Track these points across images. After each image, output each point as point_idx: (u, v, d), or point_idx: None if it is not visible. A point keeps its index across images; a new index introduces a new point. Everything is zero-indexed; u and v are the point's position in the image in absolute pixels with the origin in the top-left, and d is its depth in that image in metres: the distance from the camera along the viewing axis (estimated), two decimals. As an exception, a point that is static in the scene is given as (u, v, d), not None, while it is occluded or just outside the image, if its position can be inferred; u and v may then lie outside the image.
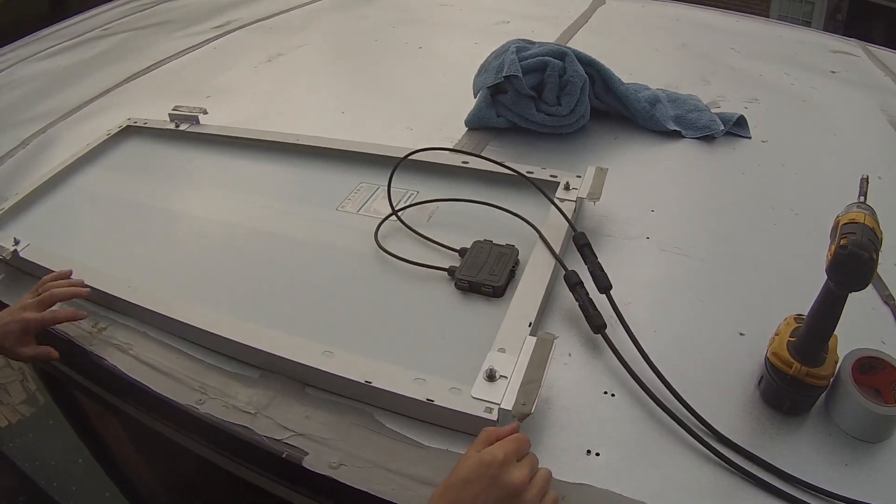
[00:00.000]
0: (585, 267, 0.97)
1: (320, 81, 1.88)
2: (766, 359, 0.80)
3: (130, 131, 1.58)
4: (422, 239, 1.10)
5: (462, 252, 1.04)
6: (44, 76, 2.08)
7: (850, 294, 0.69)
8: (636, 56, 1.88)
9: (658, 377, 0.82)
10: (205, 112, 1.52)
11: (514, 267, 1.00)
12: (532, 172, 1.17)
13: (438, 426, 0.80)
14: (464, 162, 1.24)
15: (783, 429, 0.78)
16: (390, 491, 0.74)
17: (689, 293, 0.99)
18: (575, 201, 1.11)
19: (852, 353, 0.79)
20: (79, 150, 1.47)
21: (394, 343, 0.92)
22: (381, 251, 1.07)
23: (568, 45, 1.45)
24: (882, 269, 0.77)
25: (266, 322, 0.93)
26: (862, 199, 0.73)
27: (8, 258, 1.13)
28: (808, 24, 7.55)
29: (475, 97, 1.46)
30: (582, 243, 1.00)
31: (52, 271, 1.06)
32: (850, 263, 0.65)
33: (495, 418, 0.75)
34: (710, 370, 0.86)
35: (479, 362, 0.81)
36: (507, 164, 1.17)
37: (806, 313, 0.76)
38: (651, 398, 0.81)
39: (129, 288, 1.02)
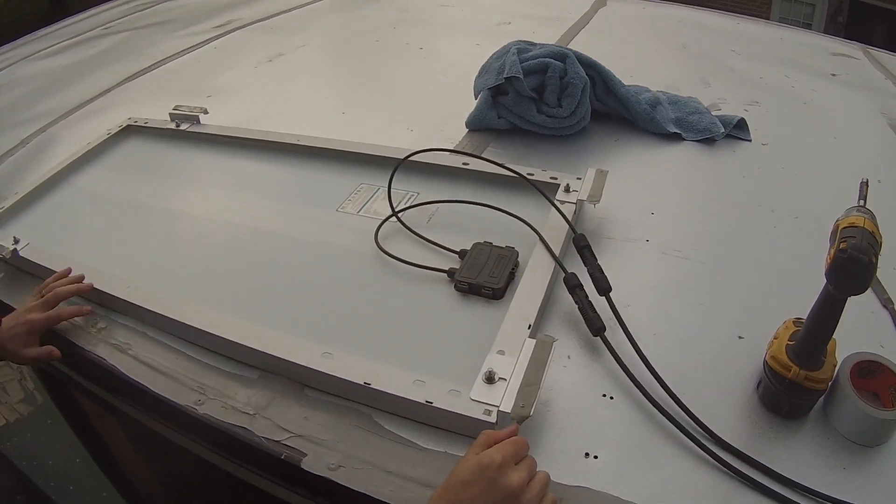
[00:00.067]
0: (585, 269, 0.97)
1: (321, 82, 1.88)
2: (765, 362, 0.80)
3: (131, 131, 1.58)
4: (422, 240, 1.10)
5: (462, 254, 1.04)
6: (44, 75, 2.08)
7: (849, 298, 0.69)
8: (637, 58, 1.88)
9: (657, 380, 0.83)
10: (205, 112, 1.52)
11: (513, 269, 1.00)
12: (532, 174, 1.17)
13: (437, 428, 0.80)
14: (464, 163, 1.24)
15: (781, 432, 0.78)
16: (389, 493, 0.74)
17: (688, 296, 0.99)
18: (575, 203, 1.11)
19: (851, 356, 0.79)
20: (79, 150, 1.47)
21: (393, 344, 0.92)
22: (381, 252, 1.07)
23: (569, 46, 1.46)
24: (881, 272, 0.77)
25: (265, 323, 0.93)
26: (862, 202, 0.73)
27: (7, 257, 1.13)
28: (808, 26, 7.56)
29: (476, 98, 1.46)
30: (582, 245, 0.99)
31: (52, 270, 1.07)
32: (850, 267, 0.65)
33: (494, 420, 0.75)
34: (708, 373, 0.86)
35: (479, 364, 0.81)
36: (507, 165, 1.17)
37: (805, 317, 0.76)
38: (650, 401, 0.81)
39: (129, 288, 1.02)
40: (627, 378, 0.83)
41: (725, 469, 0.74)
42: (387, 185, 1.17)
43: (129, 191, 1.35)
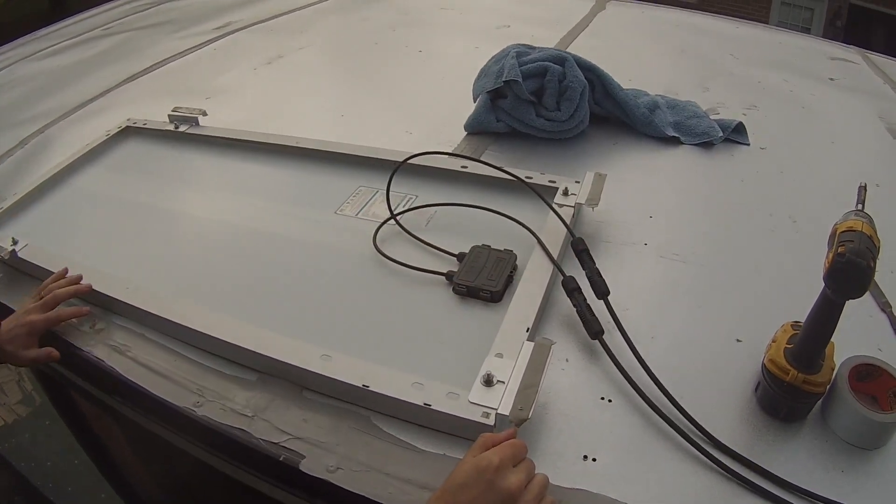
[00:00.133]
0: (583, 272, 0.97)
1: (320, 84, 1.88)
2: (763, 365, 0.80)
3: (130, 132, 1.58)
4: (420, 243, 1.10)
5: (460, 257, 1.04)
6: (43, 76, 2.08)
7: (847, 301, 0.69)
8: (636, 61, 1.89)
9: (655, 383, 0.83)
10: (204, 113, 1.52)
11: (512, 272, 1.00)
12: (531, 177, 1.18)
13: (436, 430, 0.80)
14: (463, 166, 1.24)
15: (780, 435, 0.78)
16: (387, 495, 0.74)
17: (686, 299, 0.99)
18: (573, 207, 1.11)
19: (849, 360, 0.80)
20: (78, 151, 1.47)
21: (392, 347, 0.92)
22: (380, 255, 1.07)
23: (568, 49, 1.46)
24: (879, 276, 0.77)
25: (264, 325, 0.93)
26: (860, 206, 0.73)
27: (6, 258, 1.13)
28: (807, 30, 7.58)
29: (475, 101, 1.46)
30: (580, 249, 1.00)
31: (51, 271, 1.07)
32: (848, 271, 0.65)
33: (492, 423, 0.75)
34: (707, 376, 0.86)
35: (477, 367, 0.81)
36: (505, 168, 1.18)
37: (803, 320, 0.76)
38: (648, 404, 0.81)
39: (128, 289, 1.02)
40: (626, 381, 0.83)
41: (723, 472, 0.74)
42: (385, 188, 1.17)
43: (128, 192, 1.35)
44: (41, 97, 1.89)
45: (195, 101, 1.63)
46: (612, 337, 0.89)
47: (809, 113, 1.60)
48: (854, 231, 0.67)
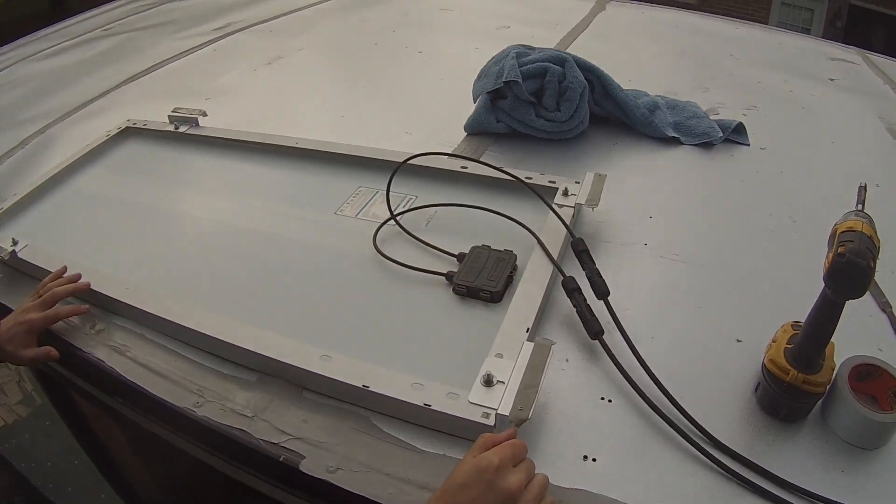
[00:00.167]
0: (583, 273, 0.97)
1: (320, 84, 1.88)
2: (763, 365, 0.80)
3: (130, 132, 1.58)
4: (420, 244, 1.10)
5: (460, 257, 1.04)
6: (43, 76, 2.08)
7: (847, 301, 0.69)
8: (635, 62, 1.89)
9: (655, 383, 0.83)
10: (204, 114, 1.52)
11: (512, 272, 1.00)
12: (531, 178, 1.18)
13: (436, 431, 0.80)
14: (463, 167, 1.24)
15: (780, 435, 0.78)
16: (387, 495, 0.74)
17: (686, 300, 0.99)
18: (573, 207, 1.11)
19: (849, 360, 0.80)
20: (78, 151, 1.47)
21: (392, 347, 0.92)
22: (380, 255, 1.07)
23: (568, 50, 1.46)
24: (879, 276, 0.77)
25: (264, 325, 0.93)
26: (860, 207, 0.73)
27: (6, 259, 1.13)
28: (807, 31, 7.58)
29: (475, 102, 1.46)
30: (580, 249, 1.00)
31: (51, 272, 1.06)
32: (848, 271, 0.65)
33: (492, 423, 0.75)
34: (707, 376, 0.86)
35: (477, 367, 0.81)
36: (505, 169, 1.18)
37: (803, 320, 0.76)
38: (648, 404, 0.81)
39: (127, 290, 1.02)
40: (626, 381, 0.83)
41: (724, 472, 0.74)
42: (385, 189, 1.17)
43: (128, 192, 1.35)
44: (41, 97, 1.89)
45: (195, 101, 1.63)
46: (612, 337, 0.89)
47: (809, 113, 1.60)
48: (854, 231, 0.67)
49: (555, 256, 1.00)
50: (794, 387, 0.75)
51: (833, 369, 0.77)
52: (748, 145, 1.42)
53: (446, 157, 1.26)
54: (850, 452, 0.76)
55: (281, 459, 0.79)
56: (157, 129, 1.54)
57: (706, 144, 1.40)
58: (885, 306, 0.97)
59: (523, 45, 1.49)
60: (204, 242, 1.20)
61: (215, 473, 0.94)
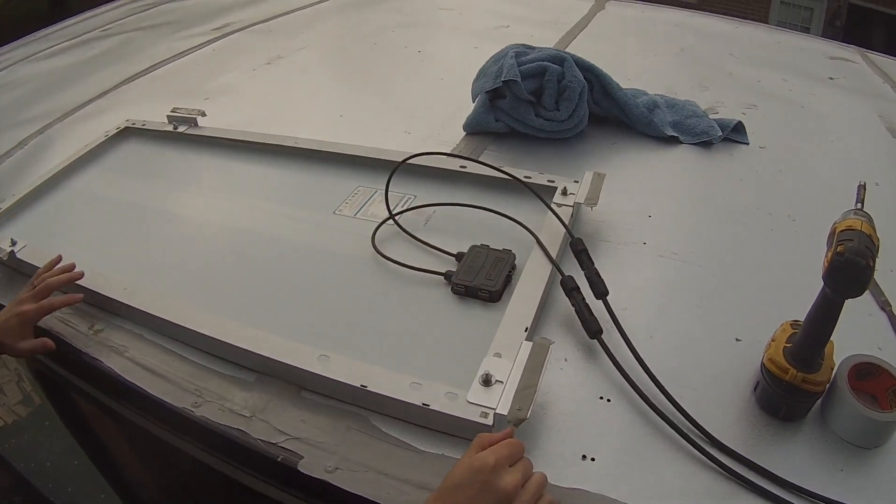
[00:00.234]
0: (582, 272, 0.97)
1: (319, 84, 1.88)
2: (763, 365, 0.80)
3: (128, 133, 1.57)
4: (419, 243, 1.09)
5: (459, 257, 1.04)
6: (43, 76, 2.08)
7: (846, 300, 0.69)
8: (635, 61, 1.89)
9: (654, 382, 0.82)
10: (203, 114, 1.51)
11: (510, 272, 1.00)
12: (530, 177, 1.18)
13: (434, 431, 0.80)
14: (461, 166, 1.24)
15: (779, 434, 0.78)
16: (385, 495, 0.74)
17: (685, 299, 0.99)
18: (572, 206, 1.11)
19: (848, 359, 0.79)
20: (77, 151, 1.47)
21: (390, 347, 0.92)
22: (378, 255, 1.07)
23: (567, 50, 1.46)
24: (879, 275, 0.77)
25: (262, 325, 0.93)
26: (859, 205, 0.73)
27: (5, 259, 1.13)
28: (806, 30, 7.58)
29: (474, 101, 1.46)
30: (579, 249, 0.99)
31: (49, 272, 1.06)
32: (847, 270, 0.65)
33: (491, 423, 0.75)
34: (706, 376, 0.86)
35: (476, 367, 0.81)
36: (504, 168, 1.18)
37: (802, 319, 0.76)
38: (647, 403, 0.81)
39: (126, 290, 1.02)
40: (624, 380, 0.83)
41: (723, 471, 0.74)
42: (384, 188, 1.17)
43: (127, 193, 1.35)
44: (40, 98, 1.89)
45: (194, 101, 1.63)
46: (611, 336, 0.89)
47: (809, 112, 1.60)
48: (853, 230, 0.67)
49: (553, 256, 1.00)
50: (793, 386, 0.75)
51: (832, 368, 0.76)
52: (747, 144, 1.42)
53: (445, 156, 1.26)
54: (849, 451, 0.76)
55: (279, 459, 0.79)
56: (156, 129, 1.54)
57: (705, 143, 1.40)
58: (884, 305, 0.97)
59: (522, 45, 1.49)
60: (203, 242, 1.20)
61: (214, 473, 0.94)
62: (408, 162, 1.20)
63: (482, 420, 0.75)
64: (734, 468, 0.73)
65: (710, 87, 1.71)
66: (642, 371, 0.84)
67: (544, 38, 1.99)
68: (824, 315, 0.72)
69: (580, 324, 0.90)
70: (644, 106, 1.43)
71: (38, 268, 1.09)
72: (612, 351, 0.86)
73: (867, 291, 0.95)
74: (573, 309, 0.92)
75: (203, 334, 0.92)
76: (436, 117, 1.56)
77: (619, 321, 0.90)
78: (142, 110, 1.65)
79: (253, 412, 0.85)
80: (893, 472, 0.73)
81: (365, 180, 1.29)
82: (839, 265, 0.65)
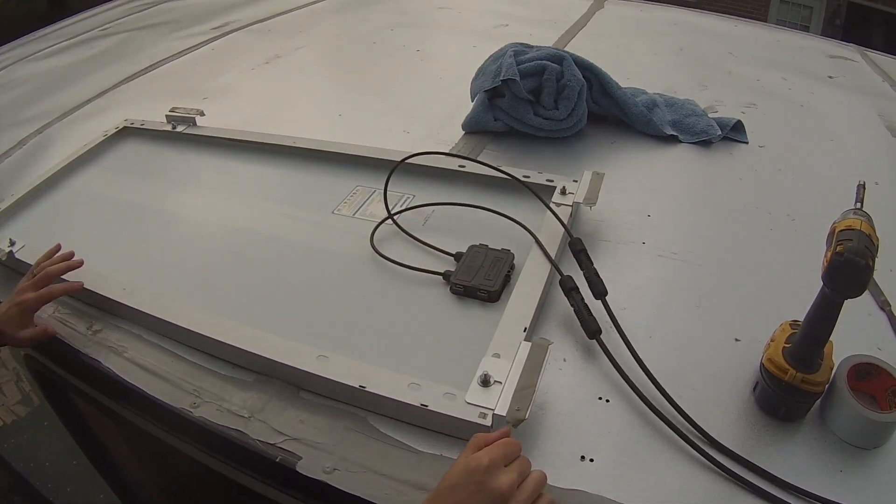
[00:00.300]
0: (581, 272, 0.97)
1: (318, 84, 1.87)
2: (762, 365, 0.80)
3: (127, 132, 1.57)
4: (417, 243, 1.09)
5: (458, 256, 1.03)
6: (41, 76, 2.08)
7: (845, 300, 0.69)
8: (634, 60, 1.88)
9: (653, 383, 0.82)
10: (202, 114, 1.51)
11: (509, 272, 1.00)
12: (528, 177, 1.17)
13: (433, 431, 0.80)
14: (460, 166, 1.24)
15: (778, 435, 0.78)
16: (384, 496, 0.74)
17: (684, 299, 0.99)
18: (571, 206, 1.11)
19: (848, 359, 0.79)
20: (75, 151, 1.47)
21: (388, 347, 0.92)
22: (377, 255, 1.07)
23: (566, 48, 1.46)
24: (878, 274, 0.76)
25: (261, 325, 0.92)
26: (858, 205, 0.73)
27: (3, 259, 1.13)
28: (806, 28, 7.57)
29: (472, 101, 1.46)
30: (578, 248, 0.99)
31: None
32: (847, 270, 0.65)
33: (489, 424, 0.75)
34: (705, 376, 0.86)
35: (474, 367, 0.80)
36: (503, 168, 1.17)
37: (801, 319, 0.76)
38: (646, 404, 0.80)
39: (125, 290, 1.02)
40: (623, 381, 0.83)
41: (722, 472, 0.73)
42: (383, 188, 1.16)
43: (126, 192, 1.35)
44: (39, 98, 1.89)
45: (193, 101, 1.63)
46: (610, 337, 0.89)
47: (808, 111, 1.60)
48: (853, 230, 0.67)
49: (552, 256, 1.00)
50: (792, 386, 0.75)
51: (832, 368, 0.76)
52: (747, 143, 1.42)
53: (444, 156, 1.26)
54: (848, 452, 0.76)
55: (278, 460, 0.79)
56: (154, 128, 1.54)
57: (705, 143, 1.40)
58: (883, 305, 0.97)
59: (521, 44, 1.48)
60: (201, 242, 1.20)
61: (212, 474, 0.94)
62: (406, 161, 1.20)
63: (481, 421, 0.75)
64: (733, 469, 0.73)
65: (709, 86, 1.71)
66: (641, 371, 0.84)
67: (543, 37, 1.98)
68: (823, 315, 0.72)
69: (579, 324, 0.90)
70: (643, 105, 1.43)
71: (28, 271, 1.09)
72: (610, 351, 0.86)
73: (866, 291, 0.95)
74: (572, 309, 0.92)
75: (201, 334, 0.92)
76: (434, 117, 1.56)
77: (618, 321, 0.90)
78: (141, 110, 1.65)
79: (251, 412, 0.84)
80: (893, 473, 0.73)
81: (364, 180, 1.28)
82: (838, 265, 0.65)
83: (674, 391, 0.81)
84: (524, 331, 0.87)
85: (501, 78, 1.33)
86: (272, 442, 0.81)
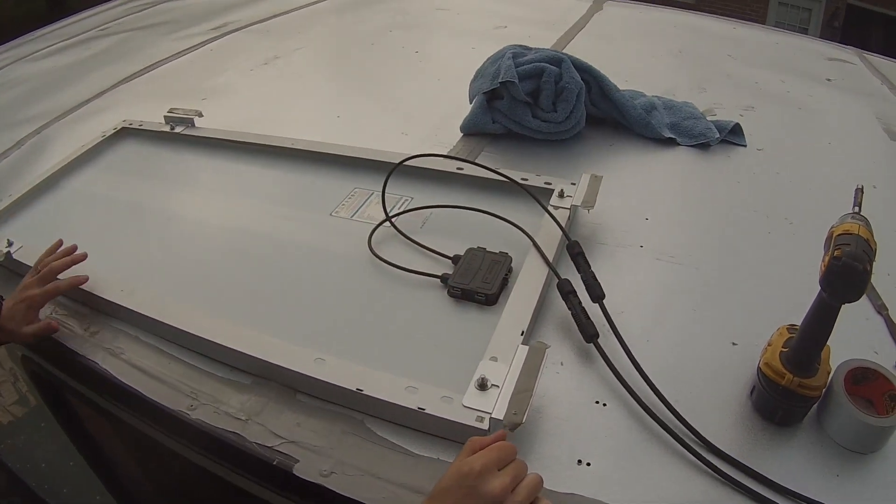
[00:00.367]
0: (579, 275, 0.96)
1: (316, 85, 1.87)
2: (759, 369, 0.80)
3: (125, 133, 1.57)
4: (415, 245, 1.09)
5: (455, 259, 1.03)
6: (40, 76, 2.07)
7: (843, 304, 0.69)
8: (633, 62, 1.88)
9: (650, 387, 0.82)
10: (200, 115, 1.51)
11: (507, 275, 1.00)
12: (526, 179, 1.17)
13: (430, 434, 0.80)
14: (458, 168, 1.24)
15: (775, 439, 0.78)
16: (381, 499, 0.74)
17: (682, 302, 0.99)
18: (569, 209, 1.11)
19: (845, 363, 0.79)
20: (74, 152, 1.47)
21: (386, 350, 0.92)
22: (375, 257, 1.07)
23: (564, 50, 1.46)
24: (876, 279, 0.76)
25: (258, 327, 0.92)
26: (856, 209, 0.73)
27: (1, 260, 1.13)
28: (804, 30, 7.58)
29: (471, 103, 1.46)
30: (575, 252, 0.99)
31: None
32: (844, 275, 0.65)
33: (486, 427, 0.75)
34: (702, 380, 0.86)
35: (471, 371, 0.80)
36: (501, 170, 1.17)
37: (799, 323, 0.76)
38: (642, 408, 0.80)
39: (122, 292, 1.02)
40: (620, 385, 0.83)
41: (718, 476, 0.73)
42: (381, 190, 1.16)
43: (124, 193, 1.35)
44: (37, 98, 1.89)
45: (191, 102, 1.63)
46: (607, 340, 0.89)
47: (807, 114, 1.60)
48: (850, 234, 0.67)
49: (550, 259, 1.00)
50: (789, 390, 0.75)
51: (829, 373, 0.76)
52: (745, 146, 1.42)
53: (442, 158, 1.26)
54: (845, 456, 0.76)
55: (275, 463, 0.79)
56: (152, 129, 1.54)
57: (703, 145, 1.40)
58: (881, 309, 0.97)
59: (520, 46, 1.48)
60: (199, 244, 1.20)
61: (209, 476, 0.93)
62: (405, 163, 1.20)
63: (478, 424, 0.75)
64: (730, 473, 0.73)
65: (707, 89, 1.71)
66: (638, 375, 0.84)
67: (542, 39, 1.98)
68: (821, 319, 0.72)
69: (576, 327, 0.90)
70: (641, 107, 1.43)
71: (32, 267, 1.09)
72: (608, 355, 0.86)
73: (864, 295, 0.95)
74: (569, 312, 0.92)
75: (199, 336, 0.92)
76: (433, 118, 1.55)
77: (616, 325, 0.90)
78: (139, 110, 1.65)
79: (249, 415, 0.84)
80: (889, 477, 0.73)
81: (362, 182, 1.28)
82: (836, 270, 0.65)
83: (671, 395, 0.81)
84: (521, 334, 0.87)
85: (500, 80, 1.33)
86: (269, 445, 0.80)
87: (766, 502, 0.71)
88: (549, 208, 1.09)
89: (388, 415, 0.81)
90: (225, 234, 1.20)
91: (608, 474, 0.75)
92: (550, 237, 1.05)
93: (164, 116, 1.53)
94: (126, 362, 0.95)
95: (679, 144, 1.41)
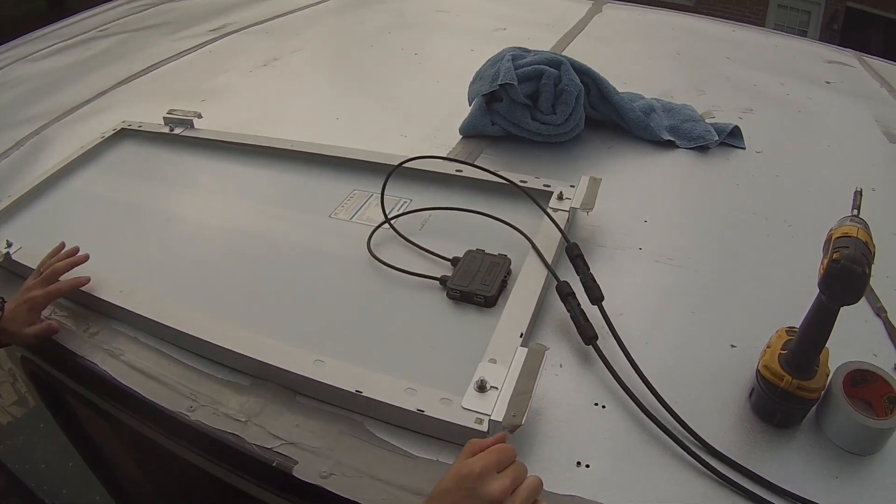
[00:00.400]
0: (578, 277, 0.97)
1: (315, 86, 1.87)
2: (758, 371, 0.80)
3: (125, 134, 1.57)
4: (414, 247, 1.09)
5: (454, 261, 1.03)
6: (39, 77, 2.07)
7: (842, 307, 0.69)
8: (632, 65, 1.89)
9: (649, 389, 0.82)
10: (199, 116, 1.51)
11: (506, 277, 1.00)
12: (525, 181, 1.18)
13: (429, 436, 0.80)
14: (457, 170, 1.24)
15: (774, 441, 0.78)
16: (380, 501, 0.74)
17: (681, 304, 0.99)
18: (568, 211, 1.11)
19: (844, 365, 0.79)
20: (73, 153, 1.47)
21: (385, 352, 0.92)
22: (374, 259, 1.07)
23: (564, 53, 1.46)
24: (874, 281, 0.77)
25: (258, 329, 0.92)
26: (855, 212, 0.73)
27: (0, 261, 1.13)
28: (803, 33, 7.59)
29: (470, 105, 1.46)
30: (574, 254, 0.99)
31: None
32: (843, 277, 0.65)
33: (486, 429, 0.75)
34: (701, 382, 0.86)
35: (471, 373, 0.80)
36: (500, 173, 1.17)
37: (798, 326, 0.76)
38: (641, 410, 0.80)
39: (121, 293, 1.01)
40: (619, 387, 0.83)
41: (717, 478, 0.73)
42: (380, 192, 1.16)
43: (123, 194, 1.35)
44: (37, 99, 1.89)
45: (190, 103, 1.63)
46: (606, 342, 0.89)
47: (806, 116, 1.60)
48: (849, 237, 0.67)
49: (549, 261, 1.00)
50: (788, 393, 0.75)
51: (827, 375, 0.77)
52: (744, 149, 1.42)
53: (441, 160, 1.26)
54: (844, 458, 0.76)
55: (274, 464, 0.79)
56: (152, 130, 1.54)
57: (702, 148, 1.40)
58: (879, 311, 0.97)
59: (519, 48, 1.49)
60: (198, 245, 1.20)
61: (208, 477, 0.93)
62: (404, 165, 1.20)
63: (477, 426, 0.75)
64: (729, 475, 0.73)
65: (706, 91, 1.71)
66: (637, 377, 0.84)
67: (541, 41, 1.99)
68: (820, 322, 0.72)
69: (575, 329, 0.90)
70: (640, 110, 1.43)
71: (34, 270, 1.09)
72: (607, 357, 0.86)
73: (862, 298, 0.95)
74: (568, 314, 0.92)
75: (198, 338, 0.92)
76: (432, 120, 1.56)
77: (615, 327, 0.90)
78: (139, 111, 1.65)
79: (248, 416, 0.84)
80: (888, 479, 0.74)
81: (361, 184, 1.28)
82: (835, 272, 0.65)
83: (670, 397, 0.81)
84: (521, 336, 0.87)
85: (499, 82, 1.33)
86: (268, 446, 0.80)
87: (765, 504, 0.71)
88: (548, 210, 1.09)
89: (387, 416, 0.81)
90: (224, 236, 1.20)
91: (607, 476, 0.75)
92: (549, 239, 1.05)
93: (164, 118, 1.53)
94: (125, 363, 0.95)
95: (678, 147, 1.41)
